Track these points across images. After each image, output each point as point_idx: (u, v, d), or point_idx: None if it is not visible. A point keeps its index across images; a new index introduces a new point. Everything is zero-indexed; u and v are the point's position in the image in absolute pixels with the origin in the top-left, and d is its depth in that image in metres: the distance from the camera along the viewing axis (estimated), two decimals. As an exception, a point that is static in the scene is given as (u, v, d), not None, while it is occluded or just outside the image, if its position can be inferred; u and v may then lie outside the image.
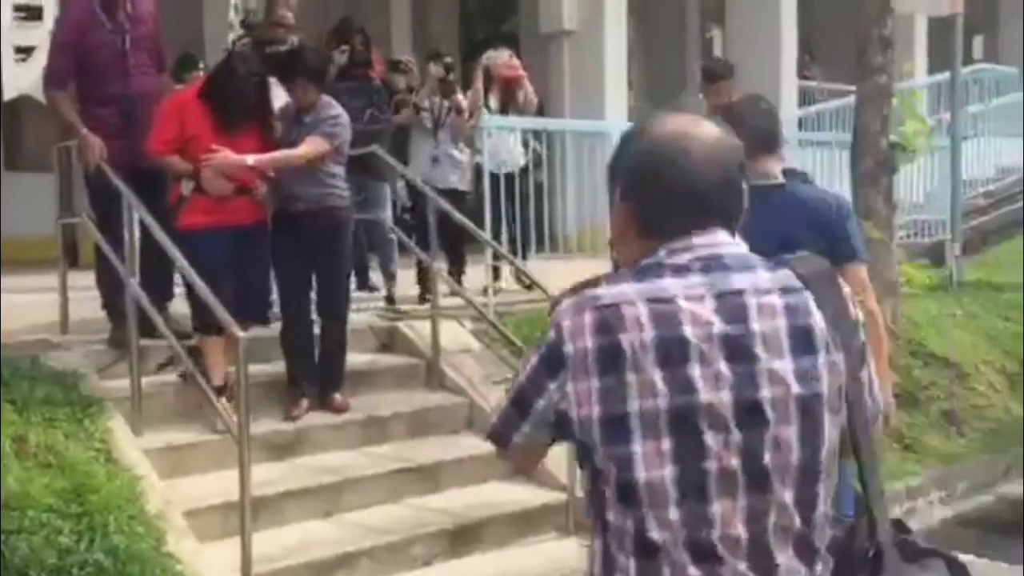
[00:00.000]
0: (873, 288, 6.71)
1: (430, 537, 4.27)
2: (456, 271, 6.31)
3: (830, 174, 7.72)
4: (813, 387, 1.44)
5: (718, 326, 1.42)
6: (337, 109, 4.83)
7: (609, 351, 1.42)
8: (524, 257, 6.72)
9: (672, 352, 1.41)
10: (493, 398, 5.25)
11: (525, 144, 6.96)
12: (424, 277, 6.07)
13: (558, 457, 4.75)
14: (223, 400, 4.27)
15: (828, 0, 15.24)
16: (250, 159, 4.50)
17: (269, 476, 4.27)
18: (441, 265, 5.87)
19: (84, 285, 5.94)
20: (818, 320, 1.46)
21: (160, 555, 3.62)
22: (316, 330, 4.88)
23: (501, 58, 6.95)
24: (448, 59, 6.75)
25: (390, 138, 6.35)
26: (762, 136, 3.27)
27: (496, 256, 6.25)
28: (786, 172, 3.81)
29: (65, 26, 4.82)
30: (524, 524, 4.56)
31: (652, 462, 1.41)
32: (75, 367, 4.49)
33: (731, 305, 1.44)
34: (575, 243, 7.57)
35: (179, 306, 4.84)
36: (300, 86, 4.71)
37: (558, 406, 1.47)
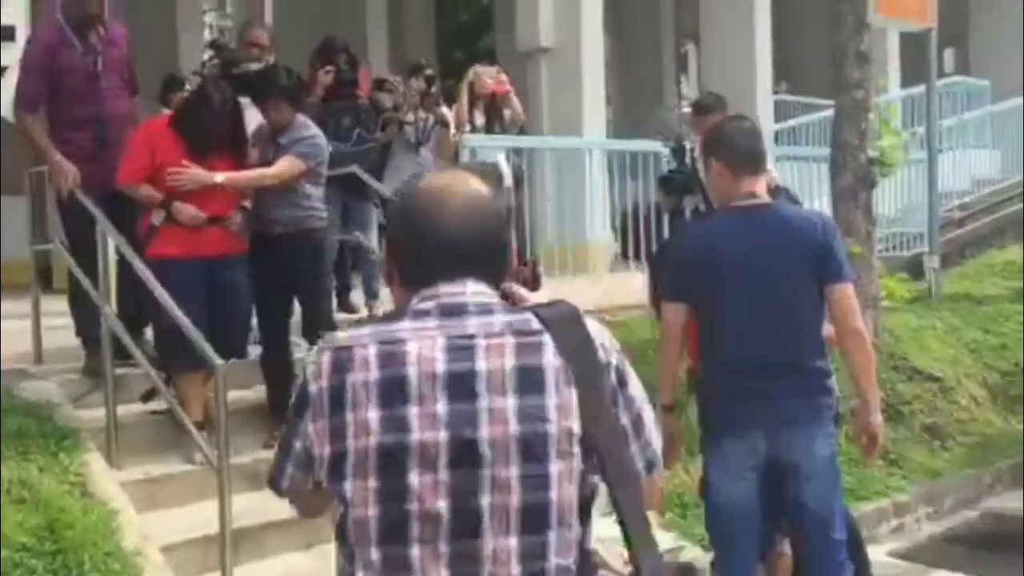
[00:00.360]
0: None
1: (416, 567, 4.18)
2: None
3: (808, 189, 7.71)
4: (537, 427, 1.43)
5: (442, 366, 1.44)
6: (312, 129, 4.74)
7: (338, 391, 1.46)
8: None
9: (393, 391, 1.44)
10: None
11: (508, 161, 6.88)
12: None
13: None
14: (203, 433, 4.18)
15: (800, 15, 15.43)
16: (219, 176, 4.40)
17: (250, 506, 4.15)
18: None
19: (58, 311, 5.83)
20: (552, 361, 1.45)
21: (138, 592, 3.54)
22: (298, 355, 4.80)
23: (488, 73, 6.82)
24: (429, 71, 6.64)
25: (377, 157, 6.25)
26: (747, 157, 3.25)
27: None
28: (774, 190, 3.80)
29: (35, 47, 4.74)
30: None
31: (360, 501, 1.44)
32: (49, 397, 4.40)
33: (459, 346, 1.46)
34: (555, 260, 7.50)
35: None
36: (273, 106, 4.62)
37: (307, 445, 1.51)
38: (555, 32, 9.97)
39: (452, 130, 6.53)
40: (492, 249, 1.56)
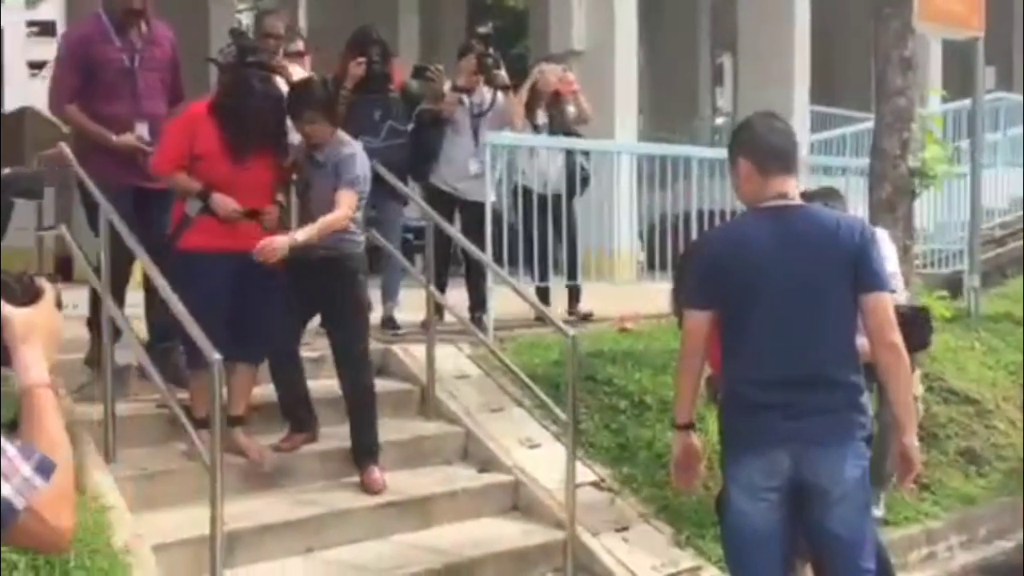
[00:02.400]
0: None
1: (417, 577, 4.00)
2: (477, 307, 5.97)
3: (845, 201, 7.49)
4: None
5: None
6: (353, 146, 4.50)
7: None
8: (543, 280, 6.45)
9: None
10: (490, 428, 5.01)
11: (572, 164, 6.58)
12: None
13: (555, 491, 4.53)
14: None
15: (840, 27, 15.17)
16: (300, 235, 4.20)
17: (247, 508, 4.01)
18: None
19: (71, 301, 5.73)
20: None
21: (125, 593, 3.38)
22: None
23: (554, 72, 6.62)
24: (483, 31, 6.32)
25: (406, 152, 6.00)
26: (778, 155, 3.05)
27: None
28: (817, 192, 3.59)
29: (71, 38, 4.73)
30: (518, 564, 4.29)
31: None
32: (47, 388, 4.25)
33: None
34: (592, 267, 7.29)
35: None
36: (309, 120, 4.37)
37: None
38: (588, 35, 9.86)
39: (518, 100, 6.29)
40: None
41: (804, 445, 2.92)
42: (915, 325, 3.91)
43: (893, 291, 3.14)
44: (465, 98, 6.21)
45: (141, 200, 4.54)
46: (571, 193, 6.62)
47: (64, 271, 6.37)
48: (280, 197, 4.42)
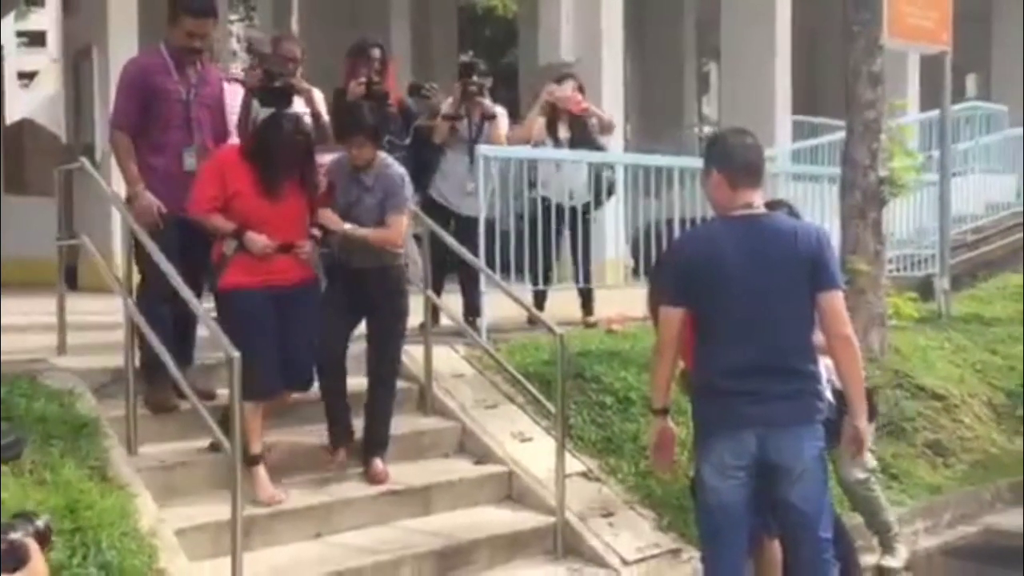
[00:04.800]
0: (861, 319, 6.83)
1: (418, 558, 4.31)
2: (471, 312, 6.27)
3: (822, 207, 7.81)
4: None
5: None
6: (396, 167, 4.78)
7: None
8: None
9: None
10: (484, 423, 5.33)
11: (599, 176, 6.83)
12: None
13: (546, 481, 4.85)
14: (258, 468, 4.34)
15: (820, 36, 15.53)
16: (351, 228, 4.55)
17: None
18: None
19: (84, 309, 6.04)
20: None
21: (152, 571, 3.67)
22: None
23: (564, 91, 6.80)
24: (466, 59, 6.55)
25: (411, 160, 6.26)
26: (746, 169, 3.39)
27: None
28: (773, 203, 3.93)
29: (133, 67, 4.90)
30: (513, 547, 4.61)
31: None
32: (72, 387, 4.55)
33: None
34: (568, 272, 7.58)
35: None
36: (358, 144, 4.63)
37: None
38: (575, 47, 10.15)
39: (503, 128, 6.54)
40: None
41: (768, 428, 3.27)
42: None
43: (844, 289, 3.48)
44: (462, 120, 6.46)
45: (188, 230, 4.64)
46: (597, 203, 6.91)
47: (70, 280, 6.63)
48: (315, 231, 4.60)
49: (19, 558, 1.49)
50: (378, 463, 4.72)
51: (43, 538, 1.52)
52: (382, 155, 4.80)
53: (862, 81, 6.71)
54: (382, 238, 4.65)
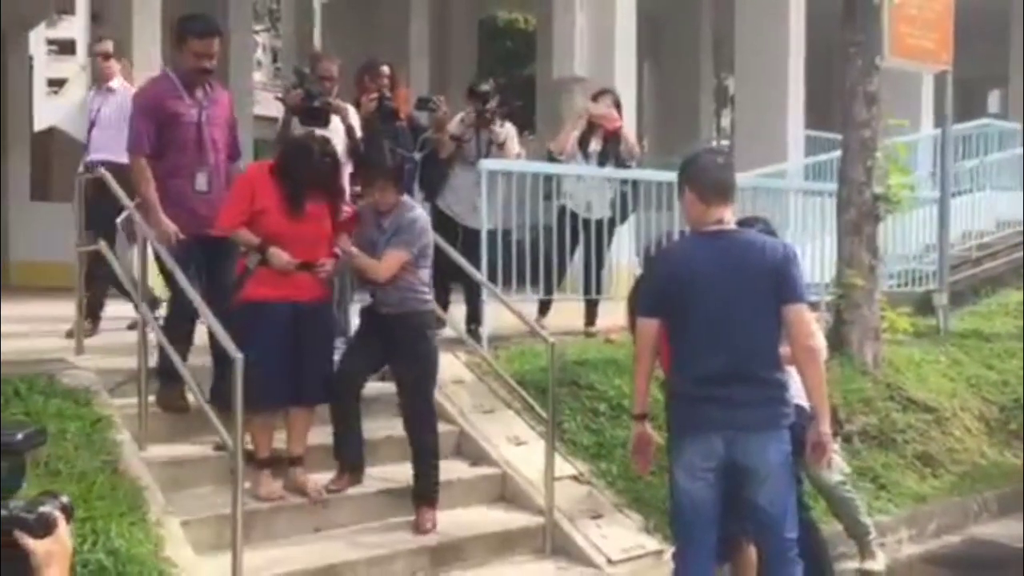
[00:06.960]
0: (856, 333, 6.97)
1: (412, 553, 4.52)
2: (473, 322, 6.41)
3: (828, 222, 7.91)
4: None
5: None
6: (416, 211, 4.83)
7: None
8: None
9: None
10: (481, 427, 5.53)
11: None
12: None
13: (537, 483, 5.05)
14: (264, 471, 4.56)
15: (837, 53, 15.63)
16: (351, 249, 4.68)
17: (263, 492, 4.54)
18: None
19: (103, 313, 6.32)
20: None
21: (158, 559, 3.89)
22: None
23: (599, 109, 6.97)
24: (485, 88, 6.70)
25: (410, 176, 6.46)
26: (718, 187, 3.59)
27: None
28: (749, 220, 4.13)
29: (147, 92, 5.06)
30: (504, 545, 4.81)
31: None
32: (87, 384, 4.79)
33: None
34: (580, 283, 7.68)
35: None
36: (380, 188, 4.70)
37: None
38: (589, 61, 10.33)
39: (511, 152, 6.73)
40: None
41: (736, 432, 3.46)
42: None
43: (809, 302, 3.66)
44: (468, 142, 6.66)
45: (209, 246, 4.84)
46: (623, 218, 7.12)
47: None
48: (338, 249, 4.75)
49: (49, 526, 1.68)
50: (424, 512, 4.68)
51: (67, 512, 1.74)
52: (406, 199, 4.85)
53: (858, 101, 6.88)
54: (364, 266, 4.71)
